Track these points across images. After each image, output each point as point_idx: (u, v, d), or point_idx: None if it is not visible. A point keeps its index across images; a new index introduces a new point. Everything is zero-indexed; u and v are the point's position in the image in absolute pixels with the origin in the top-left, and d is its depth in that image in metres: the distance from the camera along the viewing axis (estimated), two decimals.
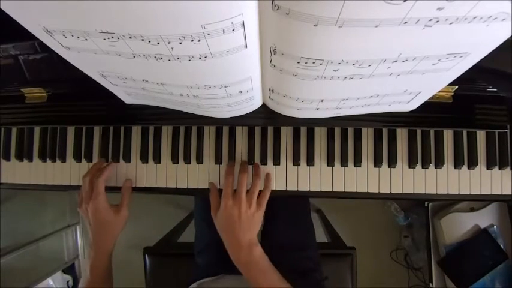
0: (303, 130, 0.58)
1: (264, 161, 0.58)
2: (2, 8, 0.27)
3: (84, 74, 0.40)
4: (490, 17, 0.25)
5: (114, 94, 0.48)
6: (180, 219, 1.20)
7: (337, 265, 0.83)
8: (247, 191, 0.53)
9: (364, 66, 0.33)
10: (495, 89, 0.50)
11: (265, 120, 0.53)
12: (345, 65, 0.32)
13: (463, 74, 0.36)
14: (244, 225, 0.50)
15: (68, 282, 1.44)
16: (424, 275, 1.32)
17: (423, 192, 0.56)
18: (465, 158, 0.56)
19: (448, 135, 0.57)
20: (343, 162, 0.57)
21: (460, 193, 0.56)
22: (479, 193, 0.56)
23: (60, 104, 0.58)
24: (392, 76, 0.36)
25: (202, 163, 0.59)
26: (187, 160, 0.59)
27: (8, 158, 0.64)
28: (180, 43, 0.29)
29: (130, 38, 0.29)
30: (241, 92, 0.41)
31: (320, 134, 0.58)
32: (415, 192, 0.56)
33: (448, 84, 0.39)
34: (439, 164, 0.56)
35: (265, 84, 0.42)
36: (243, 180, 0.52)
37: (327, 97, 0.41)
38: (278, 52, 0.32)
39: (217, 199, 0.54)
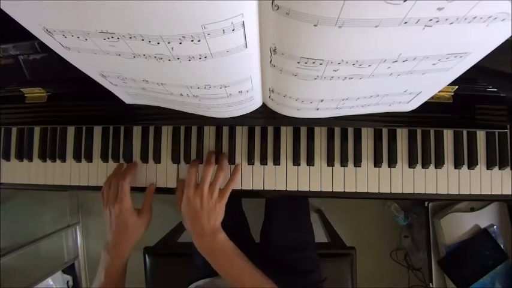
0: (303, 130, 0.58)
1: (264, 161, 0.58)
2: (2, 8, 0.27)
3: (84, 74, 0.40)
4: (490, 17, 0.25)
5: (114, 94, 0.48)
6: (180, 219, 1.20)
7: (337, 265, 0.83)
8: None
9: (364, 66, 0.33)
10: (495, 89, 0.50)
11: (265, 120, 0.53)
12: (345, 65, 0.32)
13: (463, 74, 0.36)
14: (206, 214, 0.51)
15: (68, 282, 1.44)
16: (424, 275, 1.32)
17: (423, 192, 0.56)
18: (465, 158, 0.56)
19: (448, 135, 0.57)
20: (343, 162, 0.57)
21: (460, 193, 0.56)
22: (479, 193, 0.56)
23: (60, 104, 0.57)
24: (393, 76, 0.36)
25: (202, 163, 0.59)
26: (187, 160, 0.59)
27: (8, 158, 0.64)
28: (180, 43, 0.29)
29: (130, 38, 0.29)
30: (241, 92, 0.41)
31: (320, 134, 0.58)
32: (415, 192, 0.56)
33: (448, 84, 0.39)
34: (439, 164, 0.56)
35: (265, 84, 0.42)
36: (207, 172, 0.52)
37: (327, 97, 0.41)
38: (278, 52, 0.32)
39: (181, 194, 0.55)
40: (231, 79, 0.38)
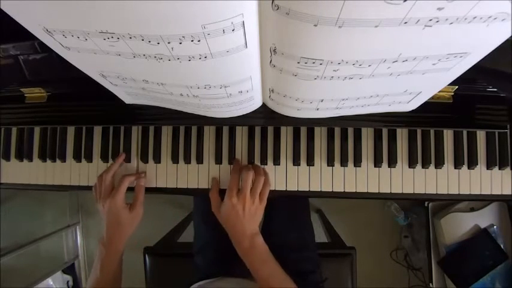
0: (303, 130, 0.58)
1: (264, 161, 0.58)
2: (2, 8, 0.27)
3: (84, 74, 0.40)
4: (490, 17, 0.25)
5: (114, 94, 0.48)
6: (180, 219, 1.20)
7: (337, 265, 0.83)
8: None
9: (364, 66, 0.33)
10: (495, 89, 0.50)
11: (265, 120, 0.53)
12: (344, 65, 0.32)
13: (463, 74, 0.36)
14: (247, 218, 0.53)
15: (68, 282, 1.44)
16: (424, 275, 1.32)
17: (423, 192, 0.56)
18: (465, 158, 0.56)
19: (448, 135, 0.57)
20: (343, 162, 0.57)
21: (460, 193, 0.56)
22: (479, 193, 0.56)
23: (60, 104, 0.58)
24: (393, 76, 0.36)
25: (202, 163, 0.59)
26: (187, 160, 0.59)
27: (8, 158, 0.64)
28: (180, 43, 0.29)
29: (130, 38, 0.29)
30: (241, 92, 0.41)
31: (320, 134, 0.58)
32: (415, 192, 0.56)
33: (448, 84, 0.39)
34: (439, 164, 0.56)
35: (265, 84, 0.42)
36: (248, 178, 0.53)
37: (326, 97, 0.41)
38: (278, 52, 0.32)
39: (217, 196, 0.56)
40: (231, 79, 0.38)
